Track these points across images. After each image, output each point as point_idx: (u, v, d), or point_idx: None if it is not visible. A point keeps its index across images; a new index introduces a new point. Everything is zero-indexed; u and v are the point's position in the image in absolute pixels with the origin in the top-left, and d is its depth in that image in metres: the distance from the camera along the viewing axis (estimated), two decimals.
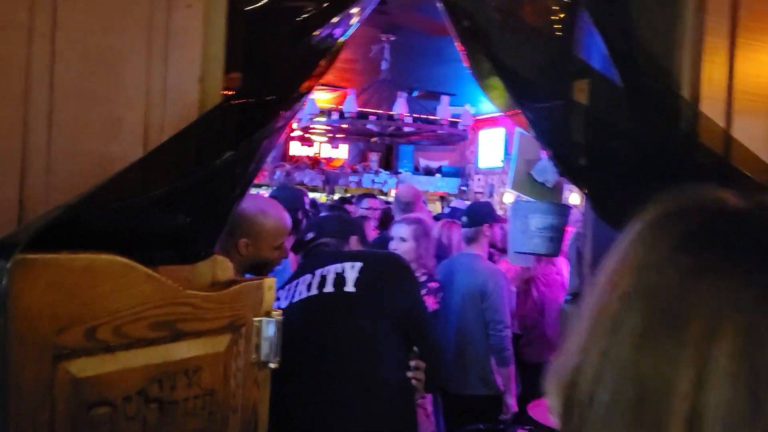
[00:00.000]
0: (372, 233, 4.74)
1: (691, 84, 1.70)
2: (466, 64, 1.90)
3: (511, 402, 3.37)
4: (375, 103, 6.31)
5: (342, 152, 9.58)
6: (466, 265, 3.41)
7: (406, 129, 5.89)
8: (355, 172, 9.06)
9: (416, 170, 9.74)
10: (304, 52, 1.35)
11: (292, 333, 1.50)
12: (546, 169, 2.45)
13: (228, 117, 1.18)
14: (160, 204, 1.06)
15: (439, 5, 1.72)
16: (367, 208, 5.22)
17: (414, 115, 6.12)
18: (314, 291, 1.92)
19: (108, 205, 0.99)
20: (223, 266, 1.25)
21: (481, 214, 3.55)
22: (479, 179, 9.68)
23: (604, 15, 1.76)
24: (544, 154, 2.61)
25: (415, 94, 7.25)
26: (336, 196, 7.93)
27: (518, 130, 2.56)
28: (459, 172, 9.90)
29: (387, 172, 9.36)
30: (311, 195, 7.98)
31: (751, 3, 1.73)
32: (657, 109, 1.70)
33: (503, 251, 4.01)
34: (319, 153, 9.38)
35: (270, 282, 1.27)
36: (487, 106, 8.84)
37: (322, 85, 6.81)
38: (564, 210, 2.53)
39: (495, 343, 3.26)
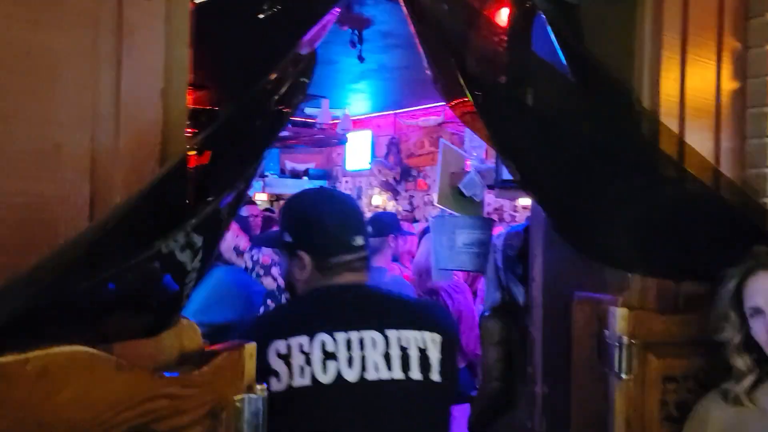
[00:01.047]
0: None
1: (650, 98, 1.67)
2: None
3: None
4: None
5: (206, 158, 8.99)
6: (372, 279, 3.26)
7: (282, 133, 5.61)
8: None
9: (282, 173, 9.40)
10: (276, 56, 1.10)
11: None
12: (474, 183, 2.35)
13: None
14: (121, 274, 0.78)
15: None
16: (246, 216, 4.88)
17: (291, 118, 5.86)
18: (397, 372, 1.34)
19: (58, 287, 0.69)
20: (190, 333, 0.96)
21: (386, 225, 3.42)
22: (347, 181, 9.57)
23: (560, 21, 1.67)
24: (468, 167, 2.52)
25: None
26: None
27: (442, 141, 2.44)
28: (326, 175, 9.72)
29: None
30: None
31: (698, 18, 1.74)
32: (615, 115, 1.64)
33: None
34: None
35: (251, 348, 1.01)
36: (355, 108, 8.75)
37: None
38: (489, 224, 2.46)
39: None
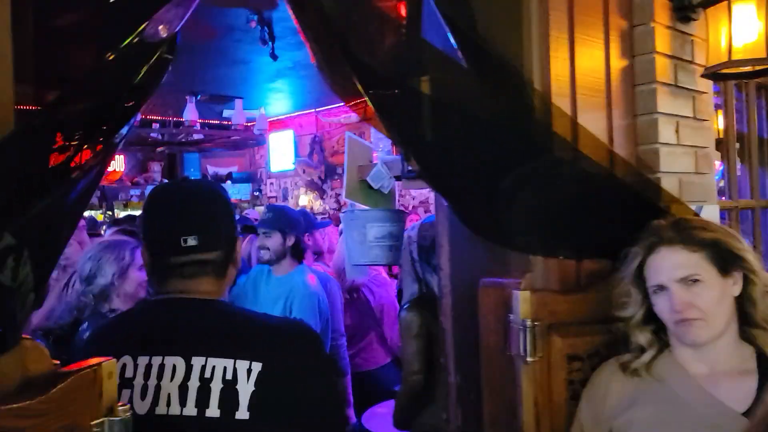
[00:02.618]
0: None
1: (541, 79, 1.66)
2: (310, 52, 1.65)
3: (350, 413, 3.25)
4: (158, 109, 5.71)
5: (118, 164, 8.64)
6: (293, 278, 3.19)
7: (196, 136, 5.41)
8: (136, 184, 8.21)
9: (204, 178, 9.14)
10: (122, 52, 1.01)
11: None
12: (381, 175, 2.30)
13: (30, 147, 0.81)
14: None
15: None
16: None
17: (203, 121, 5.66)
18: (190, 408, 1.16)
19: None
20: (35, 354, 0.87)
21: (300, 224, 3.35)
22: (272, 183, 9.41)
23: (450, 6, 1.64)
24: (376, 159, 2.47)
25: (199, 98, 6.75)
26: (122, 214, 7.08)
27: (348, 134, 2.38)
28: (250, 177, 9.52)
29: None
30: (86, 213, 7.04)
31: None
32: (509, 99, 1.62)
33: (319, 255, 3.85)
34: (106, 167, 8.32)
35: (109, 366, 0.91)
36: (275, 108, 8.59)
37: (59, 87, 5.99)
38: (401, 216, 2.42)
39: (331, 353, 3.09)
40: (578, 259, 1.67)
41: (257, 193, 9.41)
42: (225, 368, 1.17)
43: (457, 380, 1.85)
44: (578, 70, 1.72)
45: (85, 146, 0.99)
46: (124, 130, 1.08)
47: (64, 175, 0.93)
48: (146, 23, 1.00)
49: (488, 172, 1.61)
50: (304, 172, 8.63)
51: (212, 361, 1.18)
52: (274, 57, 5.55)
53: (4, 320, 0.79)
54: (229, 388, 1.16)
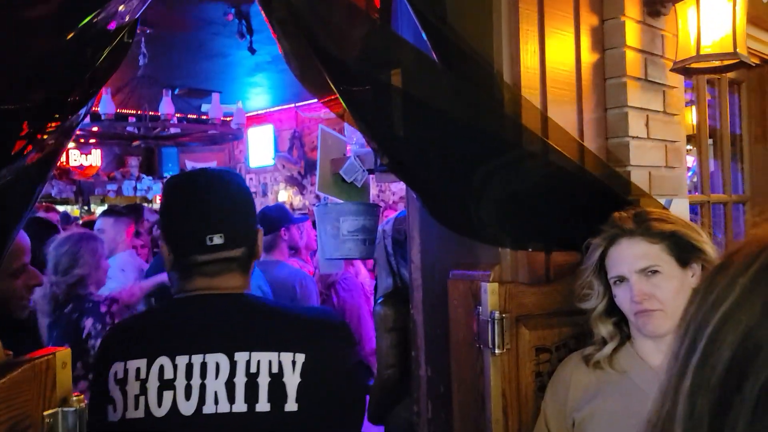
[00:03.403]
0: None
1: (511, 72, 1.66)
2: (280, 49, 1.63)
3: None
4: (134, 103, 5.64)
5: (95, 158, 8.53)
6: (272, 274, 3.16)
7: (173, 130, 5.36)
8: (112, 179, 8.11)
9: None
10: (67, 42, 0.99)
11: None
12: (354, 168, 2.29)
13: None
14: None
15: None
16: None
17: (180, 115, 5.60)
18: (240, 404, 1.14)
19: None
20: None
21: (275, 219, 3.33)
22: (251, 178, 9.35)
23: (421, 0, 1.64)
24: (349, 152, 2.46)
25: (177, 92, 6.68)
26: (98, 209, 6.98)
27: (321, 127, 2.36)
28: None
29: (150, 178, 8.56)
30: (62, 208, 6.93)
31: None
32: (478, 93, 1.62)
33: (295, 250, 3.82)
34: (66, 161, 8.22)
35: (64, 355, 0.90)
36: (254, 103, 8.53)
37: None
38: (375, 210, 2.41)
39: None
40: (547, 252, 1.68)
41: None
42: (270, 362, 1.16)
43: (428, 373, 1.85)
44: (548, 64, 1.72)
45: (41, 132, 0.97)
46: (81, 112, 1.06)
47: (16, 159, 0.91)
48: (107, 4, 0.98)
49: (458, 165, 1.61)
50: (284, 167, 8.59)
51: (256, 356, 1.16)
52: (252, 51, 5.52)
53: None
54: (277, 381, 1.16)
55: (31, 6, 0.98)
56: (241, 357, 1.16)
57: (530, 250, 1.64)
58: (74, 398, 0.90)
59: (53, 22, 0.98)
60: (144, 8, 1.16)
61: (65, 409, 0.88)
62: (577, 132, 1.78)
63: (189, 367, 1.15)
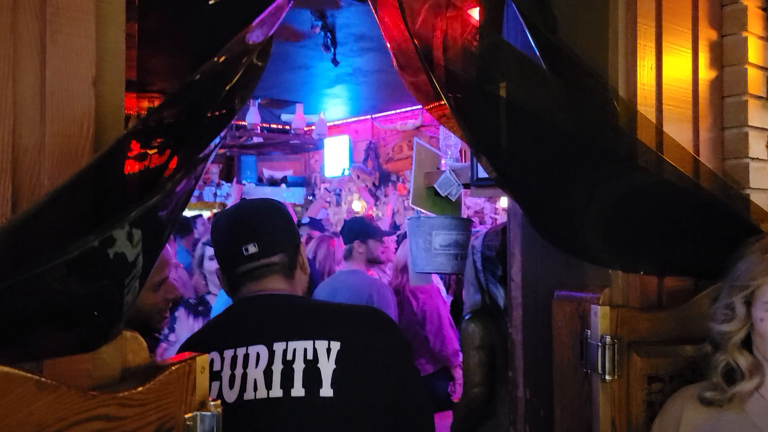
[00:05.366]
0: None
1: (626, 88, 1.61)
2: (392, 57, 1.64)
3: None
4: None
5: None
6: (346, 282, 3.20)
7: (256, 139, 5.50)
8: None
9: (260, 181, 9.28)
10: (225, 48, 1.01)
11: None
12: (449, 182, 2.28)
13: (143, 137, 0.82)
14: (47, 275, 0.69)
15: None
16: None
17: (264, 125, 5.75)
18: (276, 390, 1.21)
19: None
20: (135, 346, 0.88)
21: (352, 232, 3.39)
22: (326, 188, 9.47)
23: (531, 10, 1.62)
24: (444, 166, 2.45)
25: (259, 101, 6.86)
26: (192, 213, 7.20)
27: (416, 140, 2.37)
28: (304, 182, 9.61)
29: (229, 184, 8.80)
30: None
31: (672, 6, 1.69)
32: (591, 106, 1.58)
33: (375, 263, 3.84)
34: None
35: (203, 361, 0.92)
36: (332, 113, 8.66)
37: (157, 91, 6.15)
38: (467, 224, 2.39)
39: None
40: (660, 276, 1.61)
41: (311, 197, 9.49)
42: (306, 349, 1.23)
43: (526, 395, 1.81)
44: (665, 80, 1.66)
45: (176, 156, 1.00)
46: (216, 140, 1.09)
47: (155, 181, 0.94)
48: (245, 29, 1.01)
49: (567, 181, 1.56)
50: (358, 177, 8.67)
51: (293, 344, 1.24)
52: (335, 62, 5.60)
53: (110, 310, 0.80)
54: (311, 367, 1.22)
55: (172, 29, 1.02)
56: (278, 346, 1.24)
57: (642, 273, 1.58)
58: (211, 403, 0.92)
59: (195, 44, 1.01)
60: (274, 29, 1.19)
61: (203, 413, 0.90)
62: (692, 151, 1.71)
63: (234, 359, 1.24)
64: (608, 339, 1.48)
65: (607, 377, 1.47)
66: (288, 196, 9.38)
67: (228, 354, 1.25)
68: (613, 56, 1.62)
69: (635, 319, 1.53)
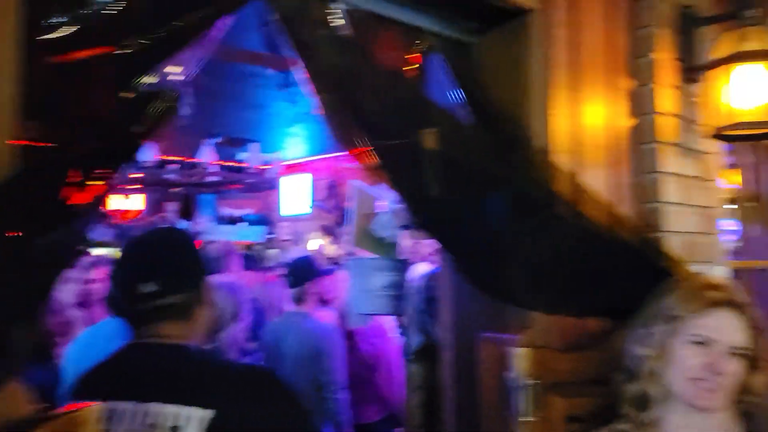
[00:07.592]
0: None
1: (544, 136, 1.68)
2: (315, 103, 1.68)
3: None
4: (175, 150, 5.81)
5: (136, 203, 8.74)
6: (296, 325, 3.16)
7: (212, 178, 5.49)
8: (151, 224, 8.29)
9: (221, 220, 9.21)
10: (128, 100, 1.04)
11: None
12: (386, 224, 2.31)
13: (32, 182, 0.84)
14: None
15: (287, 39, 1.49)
16: None
17: (220, 163, 5.74)
18: None
19: None
20: (15, 399, 0.87)
21: (301, 272, 3.32)
22: (286, 227, 9.44)
23: (456, 61, 1.68)
24: (380, 207, 2.49)
25: (218, 140, 6.87)
26: None
27: (353, 183, 2.41)
28: (263, 220, 9.56)
29: (188, 223, 8.71)
30: (102, 251, 7.07)
31: (587, 57, 1.77)
32: (511, 154, 1.64)
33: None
34: (105, 205, 8.43)
35: (96, 411, 0.92)
36: (292, 152, 8.69)
37: None
38: (404, 265, 2.42)
39: (330, 407, 3.01)
40: (579, 318, 1.65)
41: (271, 235, 9.44)
42: (172, 415, 1.14)
43: None
44: (580, 128, 1.73)
45: (90, 182, 1.02)
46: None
47: (70, 210, 0.95)
48: (161, 64, 1.04)
49: (489, 227, 1.61)
50: (319, 216, 8.68)
51: (160, 407, 1.15)
52: (292, 102, 5.66)
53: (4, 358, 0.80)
54: None
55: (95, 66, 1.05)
56: (147, 407, 1.15)
57: (562, 315, 1.62)
58: None
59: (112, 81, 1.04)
60: (195, 71, 1.22)
61: None
62: (609, 196, 1.77)
63: (104, 412, 1.13)
64: (528, 381, 1.50)
65: (528, 419, 1.50)
66: (248, 235, 9.30)
67: (103, 407, 1.12)
68: (531, 106, 1.69)
69: (555, 361, 1.57)
